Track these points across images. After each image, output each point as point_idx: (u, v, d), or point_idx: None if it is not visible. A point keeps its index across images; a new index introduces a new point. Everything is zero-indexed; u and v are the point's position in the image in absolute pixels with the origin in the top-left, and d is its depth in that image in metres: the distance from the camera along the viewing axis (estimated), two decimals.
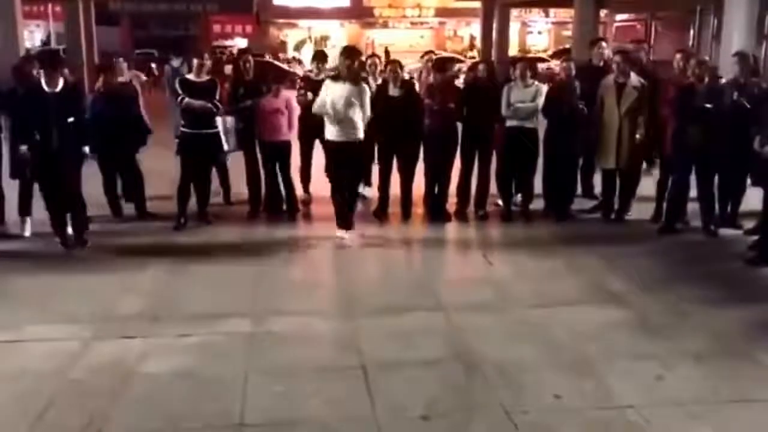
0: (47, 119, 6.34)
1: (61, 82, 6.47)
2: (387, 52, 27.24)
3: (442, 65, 8.20)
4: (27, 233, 7.01)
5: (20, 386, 4.09)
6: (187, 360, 4.42)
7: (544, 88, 7.66)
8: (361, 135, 6.81)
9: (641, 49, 8.55)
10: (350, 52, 6.93)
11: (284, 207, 7.91)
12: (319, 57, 8.68)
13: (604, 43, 8.80)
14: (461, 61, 23.73)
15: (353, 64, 6.78)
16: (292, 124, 7.72)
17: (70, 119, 6.41)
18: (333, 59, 8.45)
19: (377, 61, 8.97)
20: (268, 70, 11.75)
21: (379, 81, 8.19)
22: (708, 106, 6.89)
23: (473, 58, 29.92)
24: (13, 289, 5.68)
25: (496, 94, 7.60)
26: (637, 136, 7.44)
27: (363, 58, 8.07)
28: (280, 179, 7.84)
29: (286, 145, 7.76)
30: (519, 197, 8.01)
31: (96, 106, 7.55)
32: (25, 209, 7.05)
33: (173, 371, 4.28)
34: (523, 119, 7.55)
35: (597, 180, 8.27)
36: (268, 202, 7.93)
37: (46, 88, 6.41)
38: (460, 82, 9.30)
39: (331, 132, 6.77)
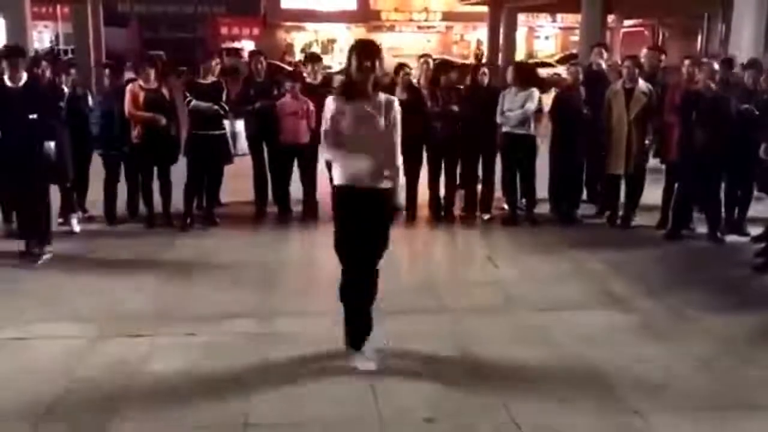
0: (7, 115, 6.05)
1: (24, 78, 6.12)
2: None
3: (444, 68, 8.16)
4: None
5: (26, 384, 4.10)
6: (192, 359, 4.43)
7: (537, 93, 7.62)
8: (386, 182, 4.38)
9: (656, 56, 8.52)
10: (366, 49, 4.29)
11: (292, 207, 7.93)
12: (313, 59, 8.25)
13: (602, 49, 8.86)
14: (466, 66, 23.66)
15: (373, 68, 4.19)
16: (311, 126, 7.55)
17: (33, 116, 6.07)
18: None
19: None
20: (276, 72, 11.71)
21: None
22: (715, 112, 6.88)
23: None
24: (20, 288, 5.71)
25: (495, 99, 7.62)
26: (647, 141, 7.44)
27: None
28: (299, 181, 7.86)
29: (305, 147, 7.69)
30: (524, 201, 8.01)
31: (103, 104, 7.60)
32: None
33: (179, 370, 4.29)
34: (513, 126, 7.54)
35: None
36: (277, 203, 7.95)
37: (9, 83, 6.08)
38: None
39: (339, 172, 4.38)
